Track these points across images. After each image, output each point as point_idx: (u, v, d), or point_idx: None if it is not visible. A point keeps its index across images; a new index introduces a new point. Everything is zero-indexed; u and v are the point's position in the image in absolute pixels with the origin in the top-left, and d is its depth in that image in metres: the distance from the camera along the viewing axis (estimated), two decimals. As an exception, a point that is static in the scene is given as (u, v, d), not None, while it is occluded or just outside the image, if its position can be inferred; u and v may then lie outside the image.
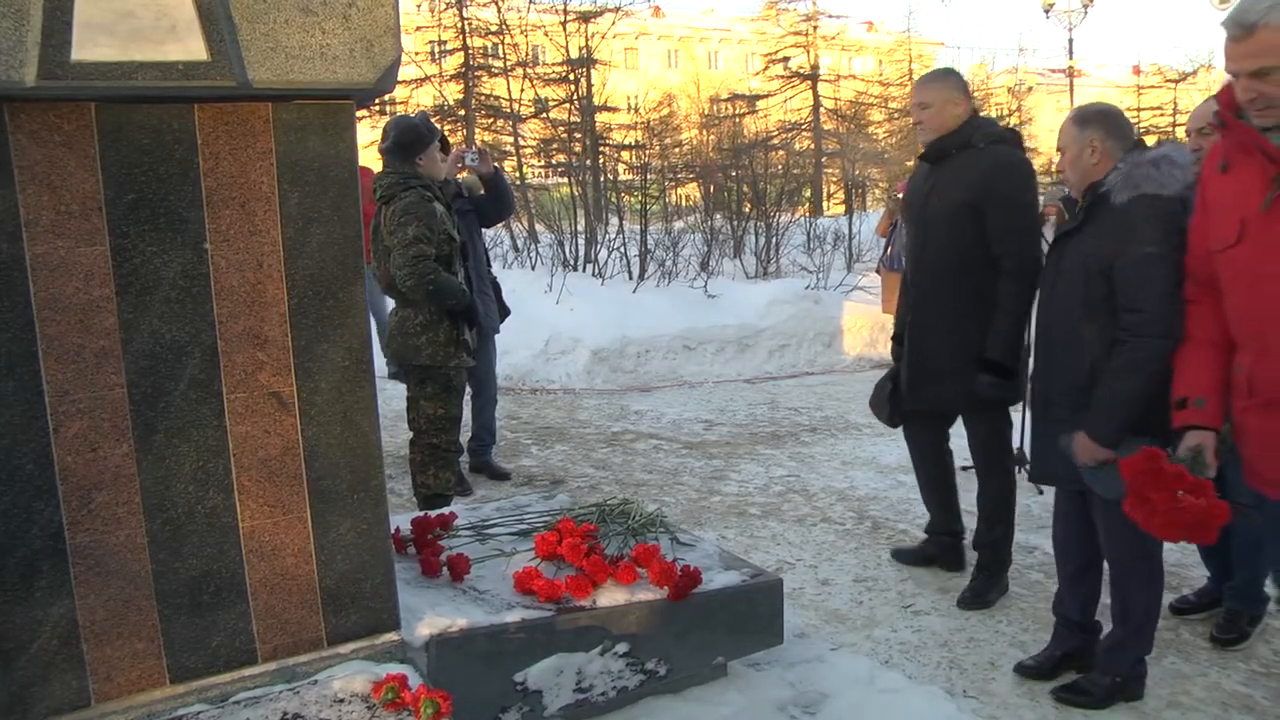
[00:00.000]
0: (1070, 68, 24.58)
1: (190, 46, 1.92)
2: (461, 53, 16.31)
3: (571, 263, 11.11)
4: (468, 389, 5.65)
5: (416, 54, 16.58)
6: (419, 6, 17.42)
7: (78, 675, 2.04)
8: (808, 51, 19.30)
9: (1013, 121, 21.62)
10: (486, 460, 5.75)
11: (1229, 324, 2.45)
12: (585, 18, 16.04)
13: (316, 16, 2.01)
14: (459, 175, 5.29)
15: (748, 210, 12.15)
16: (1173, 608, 3.59)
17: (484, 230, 5.77)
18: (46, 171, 1.92)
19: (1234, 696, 3.15)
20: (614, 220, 12.75)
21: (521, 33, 16.15)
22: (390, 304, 4.74)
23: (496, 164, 5.30)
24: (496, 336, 5.73)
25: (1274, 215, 2.23)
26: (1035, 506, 5.00)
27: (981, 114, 3.78)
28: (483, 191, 5.40)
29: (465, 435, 5.75)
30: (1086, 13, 21.73)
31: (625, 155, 17.15)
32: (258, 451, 2.18)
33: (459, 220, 5.25)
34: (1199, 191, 2.51)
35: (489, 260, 6.50)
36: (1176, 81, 26.91)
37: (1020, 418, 5.50)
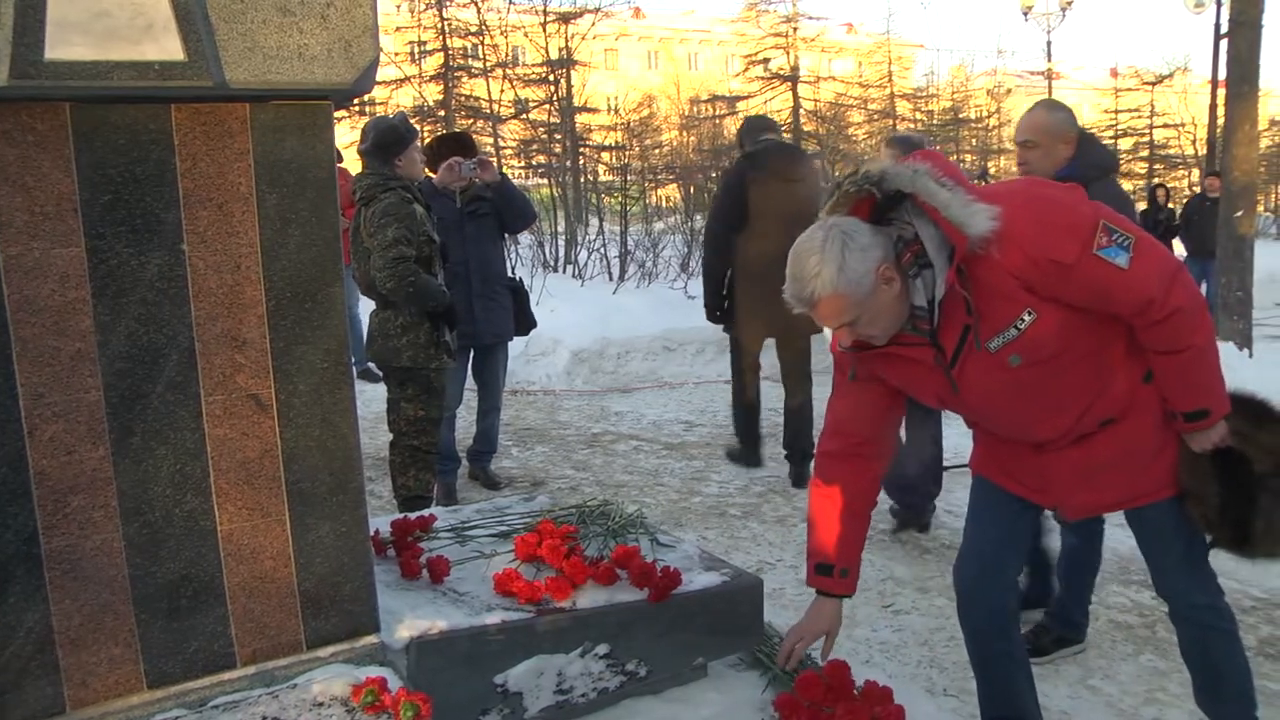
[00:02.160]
0: (1048, 70, 24.73)
1: (167, 46, 1.90)
2: (441, 53, 16.25)
3: (551, 264, 11.12)
4: (475, 395, 5.63)
5: (396, 55, 16.51)
6: (398, 7, 17.35)
7: (52, 682, 2.02)
8: (787, 53, 19.32)
9: (991, 123, 21.75)
10: (484, 467, 5.72)
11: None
12: (565, 19, 16.03)
13: (294, 17, 2.00)
14: (458, 183, 5.10)
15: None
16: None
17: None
18: (20, 172, 1.90)
19: (1210, 693, 3.17)
20: (594, 221, 12.77)
21: (501, 33, 16.11)
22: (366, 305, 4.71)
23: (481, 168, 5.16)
24: (509, 344, 5.64)
25: (968, 373, 2.25)
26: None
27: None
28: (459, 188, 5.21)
29: (467, 443, 5.75)
30: (1065, 15, 21.85)
31: (605, 156, 17.15)
32: (236, 454, 2.17)
33: (474, 225, 5.21)
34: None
35: (509, 266, 6.37)
36: (1153, 84, 27.16)
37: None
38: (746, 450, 5.93)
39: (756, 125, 5.86)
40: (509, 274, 5.85)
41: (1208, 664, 2.55)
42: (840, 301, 2.11)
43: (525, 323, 5.55)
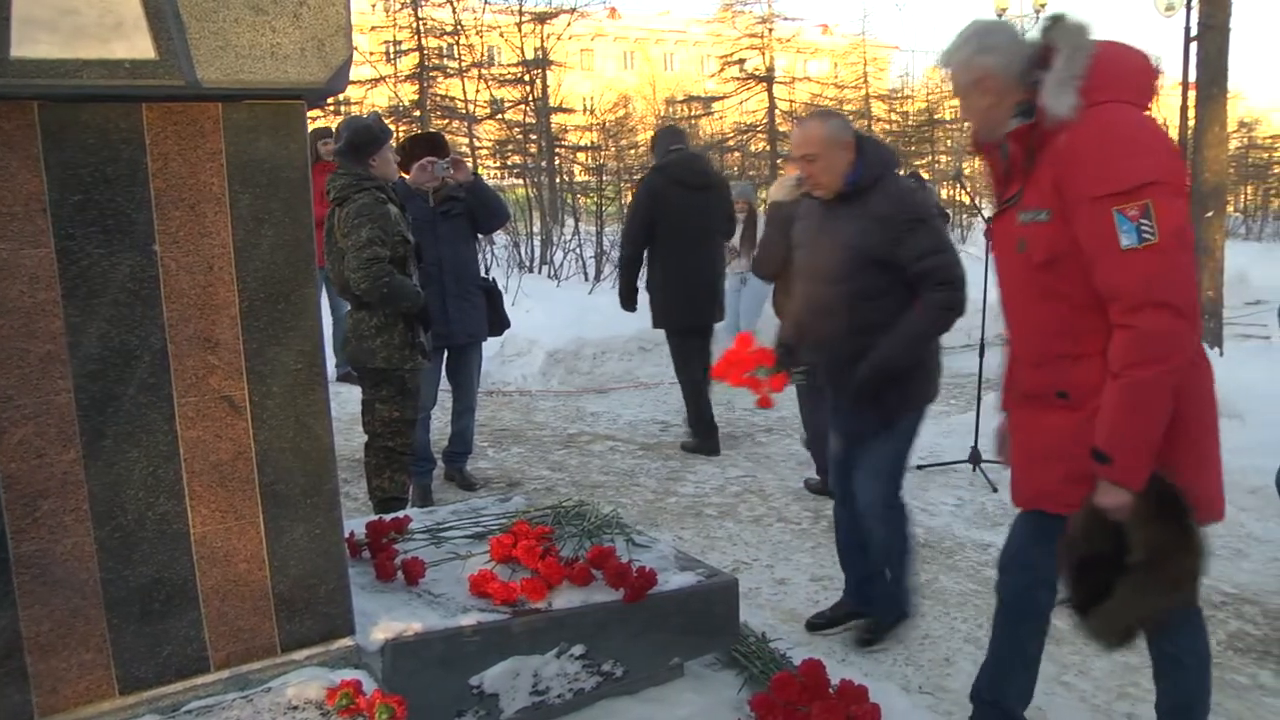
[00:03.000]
0: (1021, 71, 24.81)
1: (137, 45, 1.89)
2: (416, 53, 16.17)
3: (527, 264, 11.09)
4: (450, 396, 5.61)
5: (371, 54, 16.42)
6: (373, 6, 17.25)
7: (20, 689, 2.00)
8: (763, 54, 19.34)
9: (966, 124, 21.89)
10: (459, 468, 5.70)
11: None
12: (541, 19, 15.99)
13: (267, 15, 1.99)
14: (431, 183, 5.08)
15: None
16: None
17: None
18: (-12, 172, 1.88)
19: (1181, 689, 3.21)
20: (570, 222, 12.74)
21: (477, 33, 16.04)
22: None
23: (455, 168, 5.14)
24: (483, 344, 5.63)
25: (998, 230, 2.50)
26: (990, 504, 5.06)
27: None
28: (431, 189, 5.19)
29: (442, 444, 5.72)
30: (1038, 17, 22.03)
31: (581, 157, 17.12)
32: (209, 456, 2.15)
33: (447, 225, 5.19)
34: None
35: (483, 267, 6.40)
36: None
37: (975, 416, 5.57)
38: (703, 438, 6.30)
39: (667, 136, 6.47)
40: (483, 274, 5.85)
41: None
42: (954, 79, 2.43)
43: (499, 323, 5.54)
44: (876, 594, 3.58)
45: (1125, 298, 2.13)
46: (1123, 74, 2.26)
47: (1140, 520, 2.20)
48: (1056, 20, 2.31)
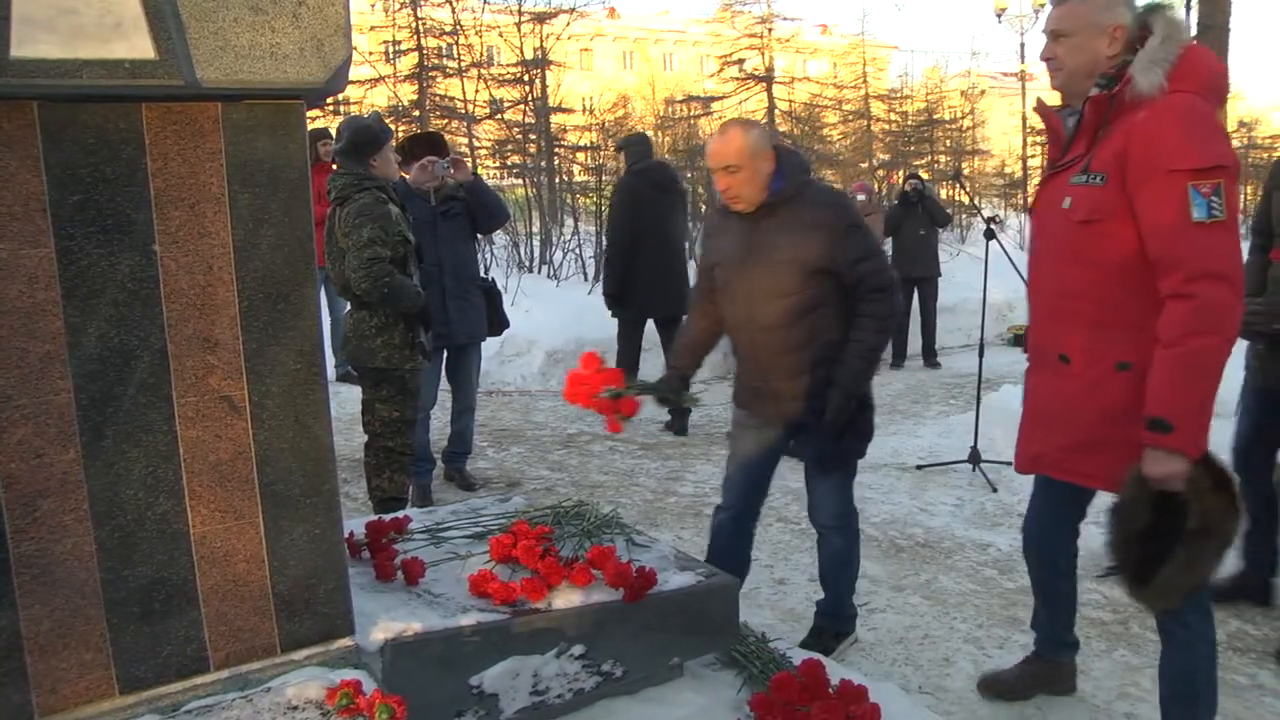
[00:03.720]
0: (1022, 71, 24.90)
1: (137, 45, 1.88)
2: (416, 53, 16.16)
3: (526, 264, 11.08)
4: (450, 396, 5.61)
5: (370, 54, 16.41)
6: (373, 6, 17.23)
7: (20, 689, 1.99)
8: (762, 54, 19.32)
9: (965, 124, 21.84)
10: (459, 469, 5.70)
11: None
12: (540, 19, 15.97)
13: (266, 15, 1.99)
14: (432, 183, 5.10)
15: (703, 212, 12.17)
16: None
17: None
18: (-13, 172, 1.88)
19: (1181, 689, 3.21)
20: (569, 222, 12.73)
21: (476, 33, 16.03)
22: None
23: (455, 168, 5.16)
24: (483, 344, 5.64)
25: (1045, 191, 2.63)
26: (990, 504, 5.07)
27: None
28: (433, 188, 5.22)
29: (442, 444, 5.72)
30: (1038, 17, 22.01)
31: (580, 156, 17.11)
32: (209, 456, 2.15)
33: (447, 225, 5.19)
34: None
35: (482, 267, 6.45)
36: (1124, 85, 27.25)
37: (974, 416, 5.57)
38: (677, 419, 6.87)
39: (638, 144, 7.16)
40: (482, 275, 5.86)
41: None
42: (1078, 17, 2.46)
43: (498, 323, 5.55)
44: (822, 609, 3.59)
45: (1188, 267, 2.24)
46: (1204, 71, 2.39)
47: (1198, 489, 2.29)
48: (1156, 8, 2.44)
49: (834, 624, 3.56)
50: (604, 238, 7.08)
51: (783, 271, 3.11)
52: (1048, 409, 2.62)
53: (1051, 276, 2.58)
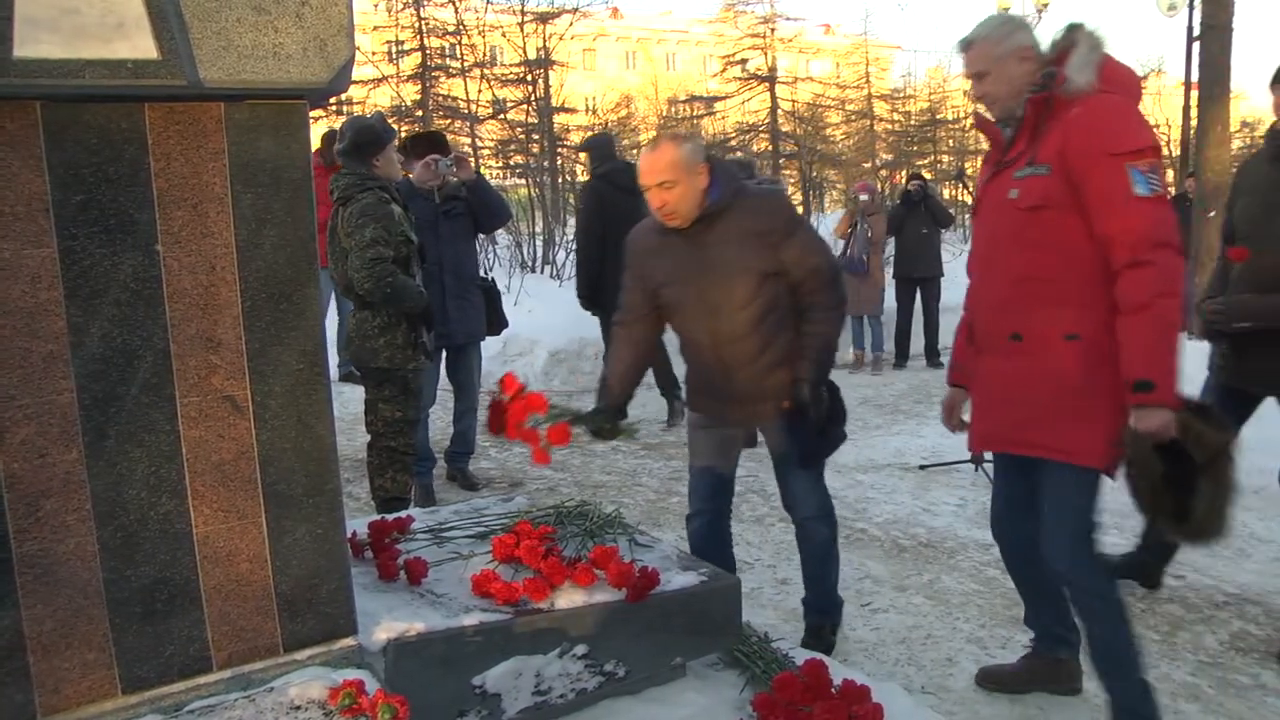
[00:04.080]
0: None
1: (139, 44, 1.89)
2: (419, 53, 16.17)
3: (529, 264, 11.08)
4: (449, 395, 5.62)
5: (373, 54, 16.41)
6: (376, 6, 17.26)
7: (22, 689, 2.00)
8: (765, 54, 19.34)
9: (968, 123, 21.86)
10: (461, 468, 5.70)
11: None
12: (543, 19, 15.97)
13: (269, 15, 1.99)
14: (434, 182, 5.12)
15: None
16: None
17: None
18: (-10, 172, 1.88)
19: (1183, 686, 3.21)
20: (572, 222, 12.74)
21: (479, 33, 16.03)
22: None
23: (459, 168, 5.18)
24: (484, 344, 5.66)
25: (989, 190, 2.85)
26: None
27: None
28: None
29: (443, 443, 5.72)
30: (1040, 18, 22.01)
31: (583, 157, 17.12)
32: (211, 456, 2.15)
33: (449, 224, 5.20)
34: None
35: (482, 267, 6.48)
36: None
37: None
38: (674, 417, 7.14)
39: (603, 146, 7.35)
40: (482, 274, 5.88)
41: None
42: (988, 51, 2.75)
43: (497, 323, 5.57)
44: (814, 605, 3.58)
45: (1143, 238, 2.48)
46: (1123, 75, 2.73)
47: (1190, 428, 2.55)
48: (1076, 27, 2.74)
49: (828, 617, 3.57)
50: (574, 240, 7.04)
51: (739, 283, 3.11)
52: (1000, 389, 2.82)
53: (1004, 265, 2.77)
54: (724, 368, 3.22)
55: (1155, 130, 2.71)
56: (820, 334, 3.18)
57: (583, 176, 16.37)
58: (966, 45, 2.80)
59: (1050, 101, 2.65)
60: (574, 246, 7.88)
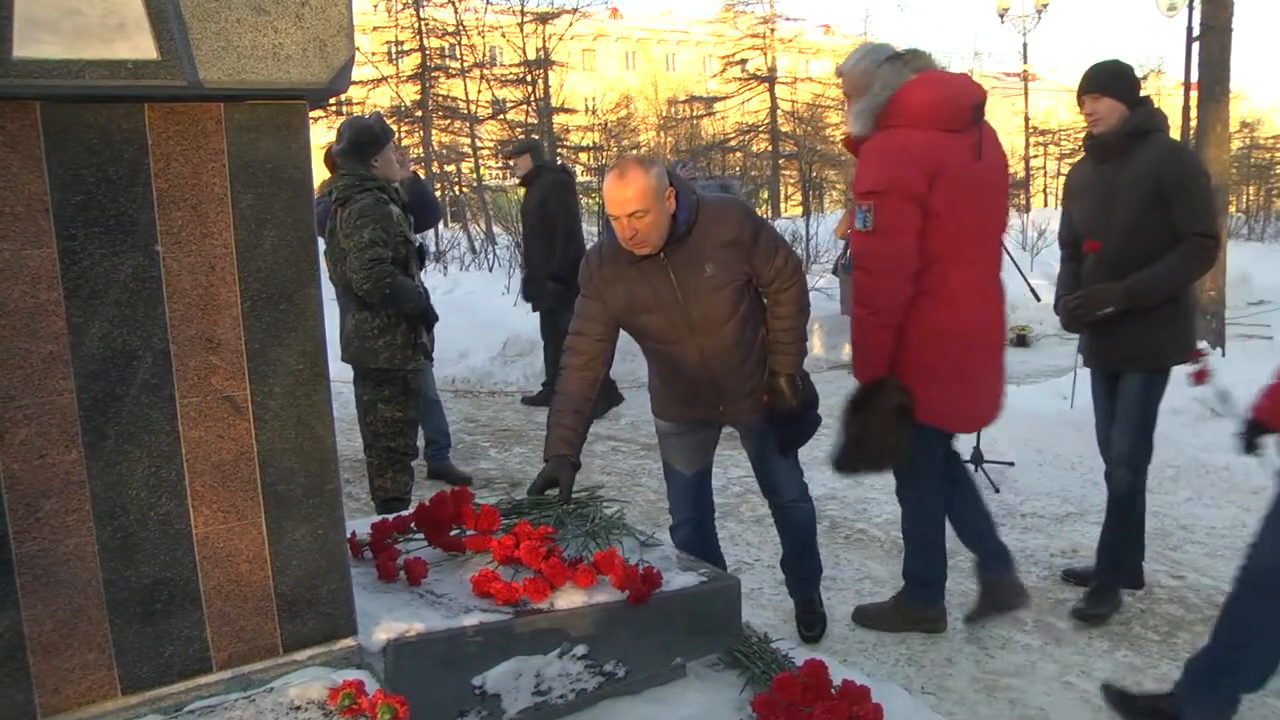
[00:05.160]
0: (1024, 72, 24.89)
1: (139, 45, 1.88)
2: (419, 53, 16.19)
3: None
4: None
5: (373, 54, 16.42)
6: (375, 6, 17.29)
7: (22, 689, 1.99)
8: (765, 54, 19.38)
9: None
10: (444, 464, 5.71)
11: None
12: (543, 19, 16.00)
13: (269, 16, 1.99)
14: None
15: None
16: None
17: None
18: (-10, 172, 1.88)
19: (1184, 689, 3.20)
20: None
21: (479, 33, 16.05)
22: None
23: (415, 170, 5.26)
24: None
25: None
26: (993, 505, 5.05)
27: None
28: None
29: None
30: (1040, 18, 22.02)
31: (583, 157, 17.14)
32: (211, 456, 2.15)
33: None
34: None
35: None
36: (1127, 86, 27.18)
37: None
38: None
39: (540, 146, 8.01)
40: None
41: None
42: (854, 83, 3.35)
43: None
44: (804, 588, 3.77)
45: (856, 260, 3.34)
46: (913, 106, 3.13)
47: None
48: (888, 58, 3.25)
49: (815, 590, 3.78)
50: (558, 222, 7.29)
51: (721, 298, 3.17)
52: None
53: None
54: (711, 377, 3.30)
55: (904, 167, 3.09)
56: (791, 327, 3.29)
57: (583, 177, 16.40)
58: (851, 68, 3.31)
59: (859, 141, 3.26)
60: (528, 234, 7.87)
